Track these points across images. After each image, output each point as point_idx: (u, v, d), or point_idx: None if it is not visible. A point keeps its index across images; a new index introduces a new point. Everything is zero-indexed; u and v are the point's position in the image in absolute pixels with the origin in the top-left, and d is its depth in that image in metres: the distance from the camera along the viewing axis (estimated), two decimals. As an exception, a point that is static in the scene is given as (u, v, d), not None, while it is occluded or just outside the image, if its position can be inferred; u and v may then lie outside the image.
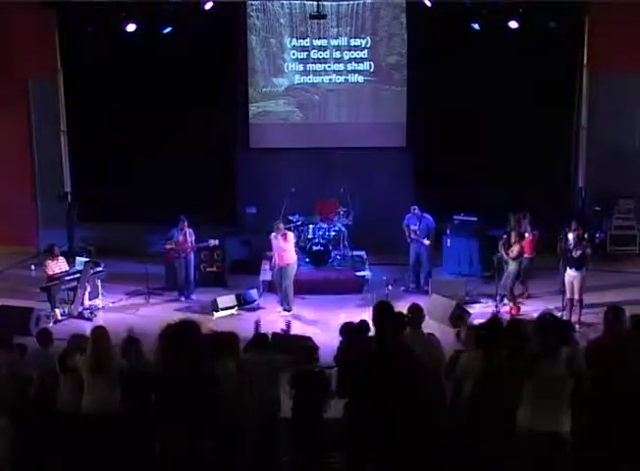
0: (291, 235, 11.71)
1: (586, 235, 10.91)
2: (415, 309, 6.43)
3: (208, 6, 13.67)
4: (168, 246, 12.29)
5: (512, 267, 11.36)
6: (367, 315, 6.28)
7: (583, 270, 10.68)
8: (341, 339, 6.54)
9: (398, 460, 5.72)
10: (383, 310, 5.85)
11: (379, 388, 5.59)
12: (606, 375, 5.78)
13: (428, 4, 13.50)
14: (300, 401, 6.48)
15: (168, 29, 13.89)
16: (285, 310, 11.57)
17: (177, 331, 5.39)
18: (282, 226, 11.63)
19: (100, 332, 6.51)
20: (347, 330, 6.51)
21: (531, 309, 11.33)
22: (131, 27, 13.69)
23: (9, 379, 6.60)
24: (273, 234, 11.59)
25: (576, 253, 10.63)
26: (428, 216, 12.52)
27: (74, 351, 6.59)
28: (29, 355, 7.06)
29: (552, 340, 5.42)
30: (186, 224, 12.29)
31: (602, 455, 5.78)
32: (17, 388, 6.56)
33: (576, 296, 10.70)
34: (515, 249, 11.29)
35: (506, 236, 11.53)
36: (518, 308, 11.39)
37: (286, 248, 11.51)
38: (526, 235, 11.73)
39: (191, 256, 12.43)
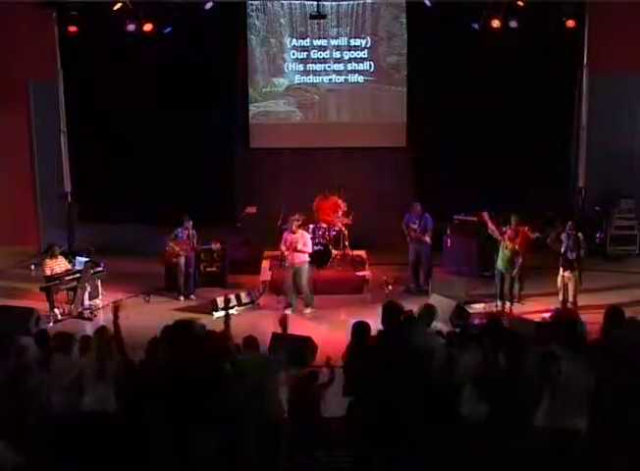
0: (305, 236, 11.87)
1: (581, 237, 10.84)
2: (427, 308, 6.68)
3: (208, 6, 13.68)
4: (170, 246, 12.30)
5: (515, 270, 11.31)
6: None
7: (577, 272, 10.63)
8: (351, 337, 6.54)
9: (402, 459, 5.74)
10: (391, 309, 5.89)
11: (384, 386, 5.62)
12: (607, 376, 5.79)
13: (428, 4, 13.52)
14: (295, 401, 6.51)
15: (168, 30, 13.89)
16: (307, 306, 11.83)
17: (179, 330, 5.40)
18: (296, 224, 11.80)
19: (103, 332, 6.51)
20: (360, 329, 6.50)
21: (529, 310, 11.36)
22: (130, 27, 13.68)
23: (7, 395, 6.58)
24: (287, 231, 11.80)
25: (572, 255, 10.59)
26: (428, 216, 12.52)
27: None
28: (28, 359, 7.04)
29: (574, 338, 5.44)
30: (191, 224, 12.30)
31: (603, 455, 5.79)
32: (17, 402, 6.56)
33: (571, 299, 10.67)
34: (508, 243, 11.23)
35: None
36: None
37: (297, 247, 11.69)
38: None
39: (192, 256, 12.44)
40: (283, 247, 11.76)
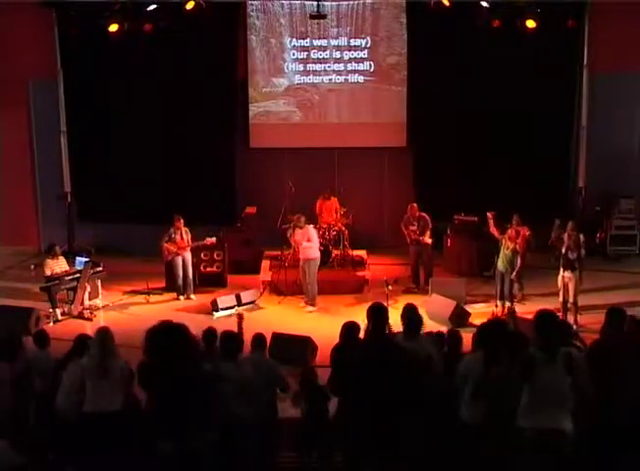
0: (310, 231, 11.88)
1: (582, 238, 10.83)
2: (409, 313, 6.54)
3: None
4: (166, 248, 12.30)
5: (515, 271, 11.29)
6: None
7: (577, 272, 10.63)
8: (340, 337, 6.54)
9: (393, 458, 5.75)
10: (377, 310, 5.90)
11: (371, 386, 5.63)
12: (607, 376, 5.79)
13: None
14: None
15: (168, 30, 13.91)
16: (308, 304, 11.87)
17: (160, 333, 5.40)
18: (303, 219, 11.90)
19: (104, 332, 6.51)
20: (348, 329, 6.50)
21: (529, 310, 11.34)
22: (130, 27, 13.73)
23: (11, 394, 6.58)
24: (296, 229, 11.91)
25: (572, 255, 10.57)
26: (425, 215, 12.51)
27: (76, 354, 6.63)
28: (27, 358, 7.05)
29: (550, 339, 5.44)
30: (182, 223, 12.30)
31: (604, 455, 5.79)
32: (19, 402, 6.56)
33: (571, 299, 10.66)
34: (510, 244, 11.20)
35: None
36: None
37: (301, 243, 11.80)
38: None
39: (188, 255, 12.42)
40: (292, 242, 12.03)
